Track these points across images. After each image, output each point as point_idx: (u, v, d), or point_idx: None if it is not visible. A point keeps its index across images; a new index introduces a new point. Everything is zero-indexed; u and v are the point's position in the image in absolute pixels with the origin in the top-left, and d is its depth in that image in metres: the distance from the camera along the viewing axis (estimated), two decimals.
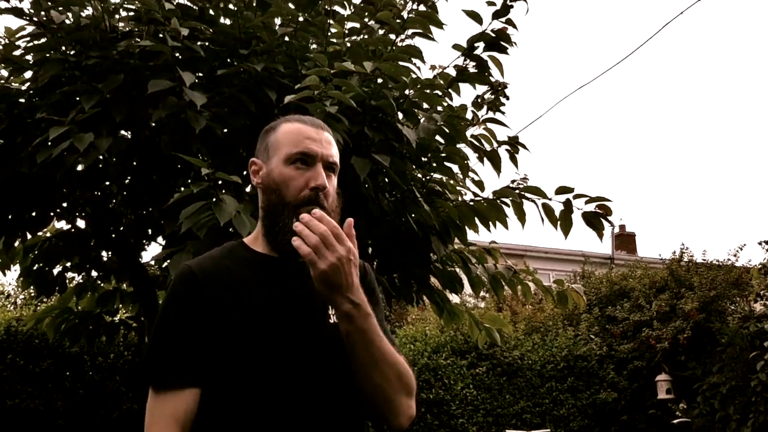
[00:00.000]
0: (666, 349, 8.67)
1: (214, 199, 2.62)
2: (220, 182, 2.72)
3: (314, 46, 3.55)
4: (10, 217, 3.52)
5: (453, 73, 3.53)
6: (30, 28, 3.31)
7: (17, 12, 3.22)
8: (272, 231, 1.46)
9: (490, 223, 3.43)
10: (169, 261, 2.80)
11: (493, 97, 3.67)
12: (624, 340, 9.28)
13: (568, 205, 3.34)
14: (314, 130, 1.49)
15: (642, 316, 9.09)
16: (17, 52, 3.29)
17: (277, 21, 3.47)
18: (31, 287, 4.24)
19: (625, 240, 21.19)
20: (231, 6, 3.48)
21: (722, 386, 8.13)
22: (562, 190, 3.33)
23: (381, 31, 3.61)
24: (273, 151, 1.49)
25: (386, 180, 3.33)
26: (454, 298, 4.76)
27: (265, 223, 1.48)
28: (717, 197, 38.50)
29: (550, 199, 3.38)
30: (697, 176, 40.49)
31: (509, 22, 3.36)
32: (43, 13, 3.17)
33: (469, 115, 3.66)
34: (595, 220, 3.32)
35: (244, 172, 3.38)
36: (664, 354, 8.72)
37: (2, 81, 3.40)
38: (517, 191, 3.43)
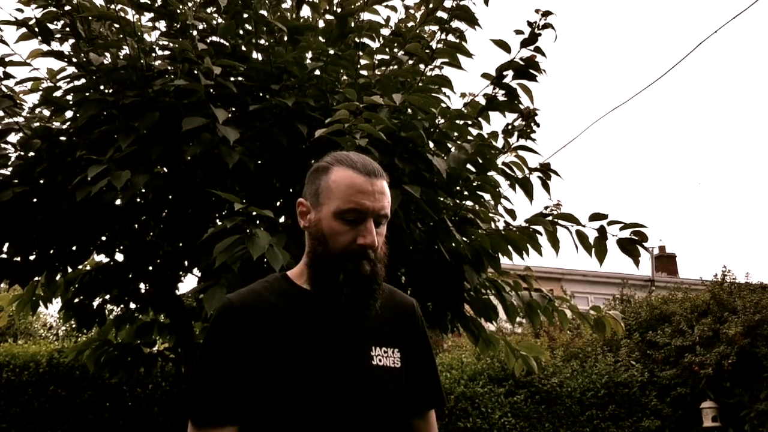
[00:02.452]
0: (710, 376, 8.42)
1: (248, 231, 2.65)
2: (254, 213, 2.76)
3: (344, 77, 3.60)
4: (51, 251, 3.62)
5: (483, 101, 3.54)
6: (70, 70, 3.43)
7: (58, 55, 3.34)
8: (317, 282, 1.45)
9: (523, 251, 3.41)
10: (203, 294, 2.83)
11: (523, 124, 3.67)
12: (666, 366, 9.04)
13: (602, 231, 3.30)
14: (368, 180, 1.43)
15: (684, 341, 8.87)
16: (58, 93, 3.41)
17: (308, 55, 3.53)
18: (72, 320, 4.32)
19: (665, 261, 20.77)
20: (262, 42, 3.56)
21: None
22: (595, 217, 3.29)
23: (410, 62, 3.65)
24: (323, 199, 1.44)
25: (418, 210, 3.34)
26: (490, 326, 4.70)
27: (312, 273, 1.46)
28: (761, 217, 37.55)
29: (583, 226, 3.34)
30: (739, 195, 39.61)
31: (538, 49, 3.36)
32: (82, 54, 3.29)
33: (499, 143, 3.65)
34: (630, 247, 3.26)
35: (278, 203, 3.43)
36: (709, 380, 8.47)
37: (44, 121, 3.52)
38: (550, 218, 3.40)
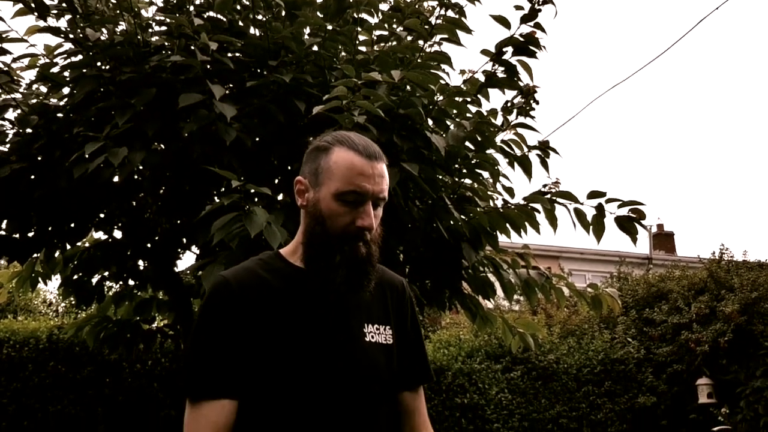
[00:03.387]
0: (706, 353, 8.48)
1: (246, 209, 2.64)
2: (252, 190, 2.75)
3: (343, 54, 3.58)
4: (50, 228, 3.62)
5: (482, 78, 3.52)
6: (67, 46, 3.40)
7: (54, 31, 3.31)
8: (313, 262, 1.45)
9: (521, 229, 3.41)
10: (202, 271, 2.84)
11: (522, 101, 3.65)
12: (662, 344, 9.10)
13: (600, 209, 3.30)
14: (368, 163, 1.43)
15: (681, 319, 8.91)
16: (55, 69, 3.38)
17: (306, 31, 3.50)
18: (71, 296, 4.34)
19: (663, 239, 20.82)
20: (260, 17, 3.52)
21: (767, 391, 7.92)
22: (594, 195, 3.30)
23: (409, 38, 3.62)
24: (323, 179, 1.44)
25: (416, 187, 3.34)
26: (488, 303, 4.73)
27: (307, 252, 1.47)
28: (759, 195, 37.56)
29: (582, 204, 3.35)
30: (738, 173, 39.59)
31: (537, 26, 3.34)
32: (79, 30, 3.26)
33: (498, 120, 3.64)
34: (628, 225, 3.27)
35: (276, 180, 3.42)
36: (705, 357, 8.53)
37: (41, 98, 3.50)
38: (549, 196, 3.40)
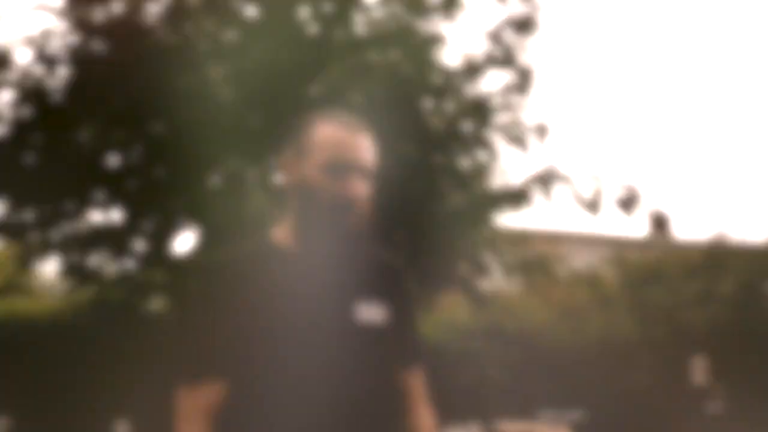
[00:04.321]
0: (702, 333, 8.54)
1: (243, 192, 2.64)
2: (251, 173, 2.75)
3: (341, 34, 3.55)
4: (47, 209, 3.61)
5: (480, 57, 3.50)
6: (63, 25, 3.37)
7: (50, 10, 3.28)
8: (303, 236, 1.45)
9: (520, 209, 3.42)
10: (200, 253, 2.85)
11: (521, 80, 3.64)
12: (658, 324, 9.17)
13: (598, 191, 3.31)
14: (352, 134, 1.44)
15: (677, 300, 8.97)
16: (51, 49, 3.34)
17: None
18: (70, 277, 4.34)
19: (661, 221, 20.85)
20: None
21: (761, 371, 8.00)
22: (592, 177, 3.30)
23: (408, 17, 3.60)
24: (307, 154, 1.45)
25: (414, 168, 3.34)
26: (486, 284, 4.75)
27: (297, 228, 1.46)
28: (756, 178, 37.61)
29: (580, 186, 3.35)
30: (735, 156, 39.61)
31: (536, 4, 3.32)
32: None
33: (497, 100, 3.63)
34: (626, 207, 3.28)
35: (273, 161, 3.42)
36: (701, 337, 8.60)
37: (37, 78, 3.46)
38: (547, 177, 3.41)
